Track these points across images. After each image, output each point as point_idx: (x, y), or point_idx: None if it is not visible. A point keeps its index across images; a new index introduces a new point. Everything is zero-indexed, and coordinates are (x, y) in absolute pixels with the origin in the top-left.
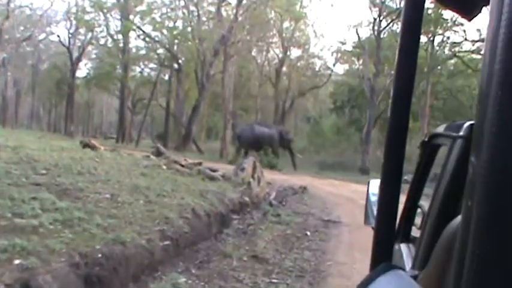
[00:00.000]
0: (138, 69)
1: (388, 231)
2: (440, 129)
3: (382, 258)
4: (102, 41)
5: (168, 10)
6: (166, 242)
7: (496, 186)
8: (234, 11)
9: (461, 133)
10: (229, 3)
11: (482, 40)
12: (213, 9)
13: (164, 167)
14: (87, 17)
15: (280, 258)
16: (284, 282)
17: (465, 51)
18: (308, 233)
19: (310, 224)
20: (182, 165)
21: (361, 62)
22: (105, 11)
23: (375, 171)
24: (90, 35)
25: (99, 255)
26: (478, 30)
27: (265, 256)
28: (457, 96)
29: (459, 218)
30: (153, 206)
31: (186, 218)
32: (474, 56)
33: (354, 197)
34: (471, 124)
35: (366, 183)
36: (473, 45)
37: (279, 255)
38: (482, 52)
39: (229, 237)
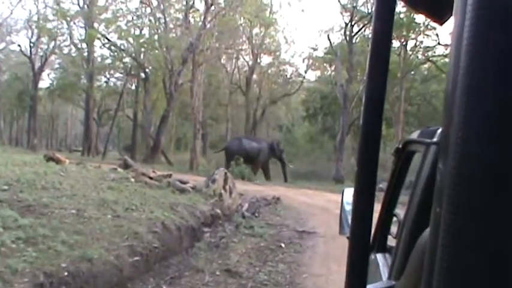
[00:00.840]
0: (103, 79)
1: (363, 241)
2: (414, 135)
3: (358, 269)
4: (65, 50)
5: (134, 18)
6: (136, 258)
7: (463, 192)
8: (202, 17)
9: (435, 139)
10: (197, 10)
11: None
12: (180, 16)
13: (132, 179)
14: (49, 26)
15: (254, 272)
16: None
17: (438, 56)
18: (282, 245)
19: (284, 236)
20: (151, 178)
21: (333, 68)
22: (68, 19)
23: (350, 180)
24: (52, 44)
25: (65, 274)
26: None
27: (238, 270)
28: (431, 101)
29: None
30: (121, 221)
31: (156, 232)
32: (447, 60)
33: (328, 206)
34: None
35: (341, 192)
36: (446, 49)
37: (253, 269)
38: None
39: (201, 251)
